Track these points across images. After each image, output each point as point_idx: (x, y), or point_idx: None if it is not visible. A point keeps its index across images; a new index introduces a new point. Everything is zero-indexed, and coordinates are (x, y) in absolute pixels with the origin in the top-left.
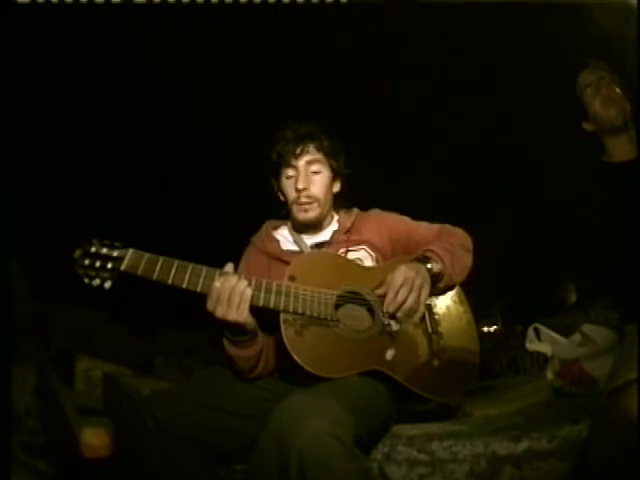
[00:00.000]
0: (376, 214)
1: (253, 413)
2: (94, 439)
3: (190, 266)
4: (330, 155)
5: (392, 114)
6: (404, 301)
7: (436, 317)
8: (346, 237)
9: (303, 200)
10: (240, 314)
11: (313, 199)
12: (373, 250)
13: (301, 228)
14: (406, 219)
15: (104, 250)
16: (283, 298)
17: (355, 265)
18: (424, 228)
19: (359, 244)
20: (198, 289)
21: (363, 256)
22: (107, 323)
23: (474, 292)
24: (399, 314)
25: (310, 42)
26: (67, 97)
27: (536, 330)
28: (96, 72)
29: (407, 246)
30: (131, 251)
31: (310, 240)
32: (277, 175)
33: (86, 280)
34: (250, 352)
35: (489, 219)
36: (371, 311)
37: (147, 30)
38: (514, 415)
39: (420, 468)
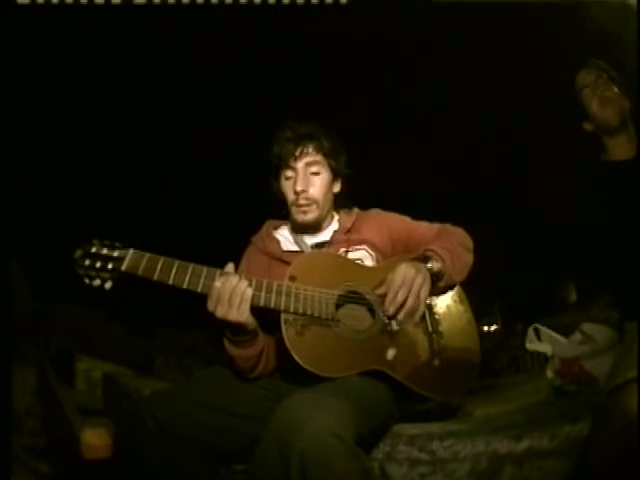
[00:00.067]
0: (376, 214)
1: (253, 413)
2: (95, 439)
3: (191, 266)
4: (330, 155)
5: (392, 114)
6: (404, 300)
7: (436, 316)
8: (346, 237)
9: (302, 202)
10: (241, 314)
11: (312, 201)
12: (373, 250)
13: (300, 229)
14: (406, 219)
15: (105, 250)
16: (284, 298)
17: (355, 265)
18: (424, 228)
19: (359, 244)
20: (199, 289)
21: (363, 256)
22: (107, 323)
23: (474, 291)
24: (399, 314)
25: (310, 42)
26: (67, 98)
27: (536, 330)
28: (96, 73)
29: (407, 246)
30: (132, 251)
31: (310, 240)
32: (277, 176)
33: (87, 280)
34: (251, 352)
35: (489, 219)
36: (371, 311)
37: (147, 30)
38: (515, 414)
39: (421, 467)
